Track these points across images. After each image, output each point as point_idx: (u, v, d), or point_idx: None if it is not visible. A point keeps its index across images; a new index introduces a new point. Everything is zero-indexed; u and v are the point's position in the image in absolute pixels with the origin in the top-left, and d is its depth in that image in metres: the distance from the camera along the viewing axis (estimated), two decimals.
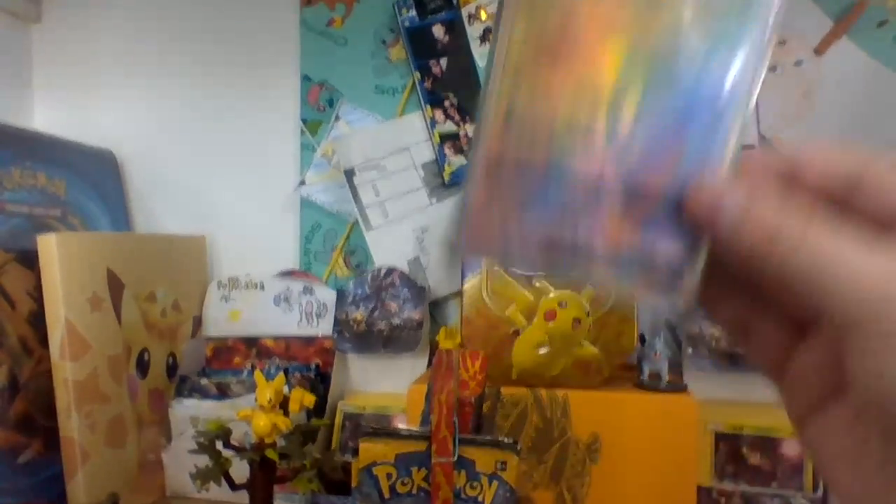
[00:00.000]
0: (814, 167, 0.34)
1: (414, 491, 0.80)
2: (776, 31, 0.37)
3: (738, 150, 0.35)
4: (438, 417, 0.79)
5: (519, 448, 0.80)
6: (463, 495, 0.79)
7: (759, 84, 0.36)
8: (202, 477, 0.95)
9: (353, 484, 0.87)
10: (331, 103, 1.35)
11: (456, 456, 0.78)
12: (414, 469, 0.80)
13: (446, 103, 1.29)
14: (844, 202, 0.33)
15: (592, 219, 0.35)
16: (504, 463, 0.79)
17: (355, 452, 1.09)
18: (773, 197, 0.33)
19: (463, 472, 0.79)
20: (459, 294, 1.06)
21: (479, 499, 0.79)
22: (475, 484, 0.79)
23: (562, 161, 0.35)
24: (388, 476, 0.80)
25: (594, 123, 0.35)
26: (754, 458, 1.02)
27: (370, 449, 0.80)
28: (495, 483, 0.79)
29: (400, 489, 0.80)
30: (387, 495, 0.80)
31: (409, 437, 0.81)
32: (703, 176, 0.34)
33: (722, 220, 0.33)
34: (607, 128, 0.35)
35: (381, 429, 0.83)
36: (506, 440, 0.79)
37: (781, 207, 0.32)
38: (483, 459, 0.79)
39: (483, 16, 1.28)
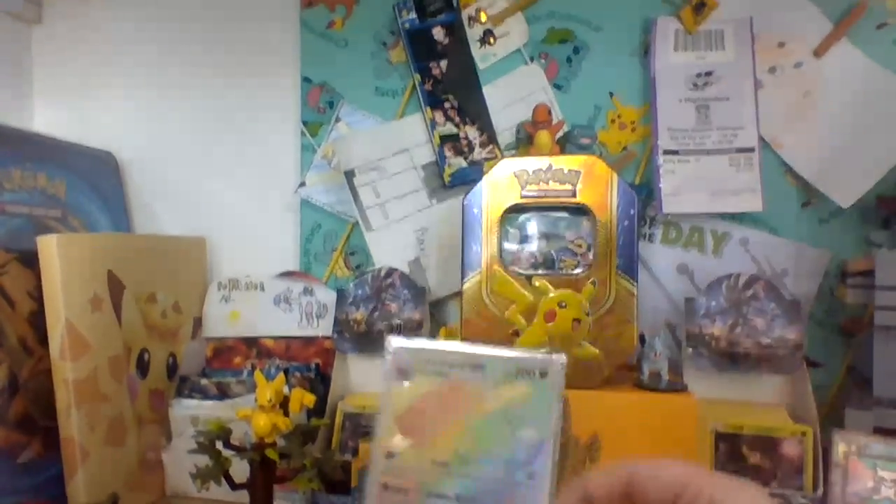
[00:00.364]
0: (595, 491, 0.46)
1: None
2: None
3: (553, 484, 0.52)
4: None
5: None
6: None
7: (556, 449, 0.54)
8: (202, 476, 0.96)
9: (353, 483, 0.87)
10: (331, 105, 1.35)
11: None
12: None
13: (446, 105, 1.29)
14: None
15: None
16: None
17: (355, 452, 1.10)
18: None
19: None
20: (459, 294, 1.06)
21: None
22: None
23: None
24: None
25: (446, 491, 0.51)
26: (754, 458, 1.02)
27: (370, 449, 0.80)
28: None
29: None
30: None
31: None
32: None
33: None
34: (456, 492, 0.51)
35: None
36: None
37: None
38: None
39: (483, 18, 1.28)
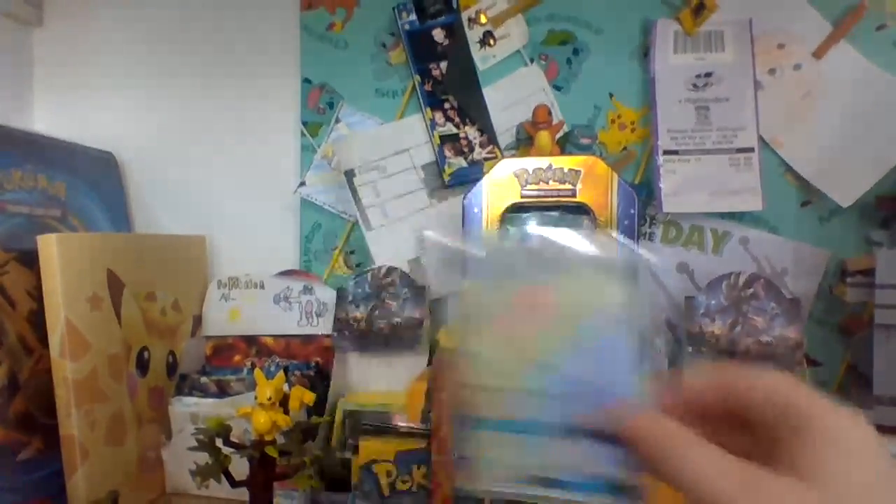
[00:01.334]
0: (700, 392, 0.44)
1: (414, 488, 0.80)
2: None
3: (643, 384, 0.47)
4: (439, 415, 0.80)
5: None
6: (462, 492, 0.79)
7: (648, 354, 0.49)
8: (202, 474, 0.95)
9: (353, 481, 0.86)
10: (331, 106, 1.36)
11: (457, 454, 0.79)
12: (414, 467, 0.80)
13: (446, 105, 1.29)
14: (730, 416, 0.43)
15: (555, 449, 0.46)
16: None
17: (356, 450, 1.09)
18: (668, 422, 0.42)
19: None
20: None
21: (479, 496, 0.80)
22: None
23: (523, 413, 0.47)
24: (388, 474, 0.80)
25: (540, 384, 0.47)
26: None
27: (370, 446, 0.80)
28: None
29: (400, 487, 0.80)
30: (386, 493, 0.79)
31: (409, 434, 0.81)
32: (619, 406, 0.45)
33: (637, 441, 0.43)
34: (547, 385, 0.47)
35: (382, 426, 0.82)
36: None
37: (673, 433, 0.41)
38: None
39: (483, 20, 1.29)
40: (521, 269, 0.51)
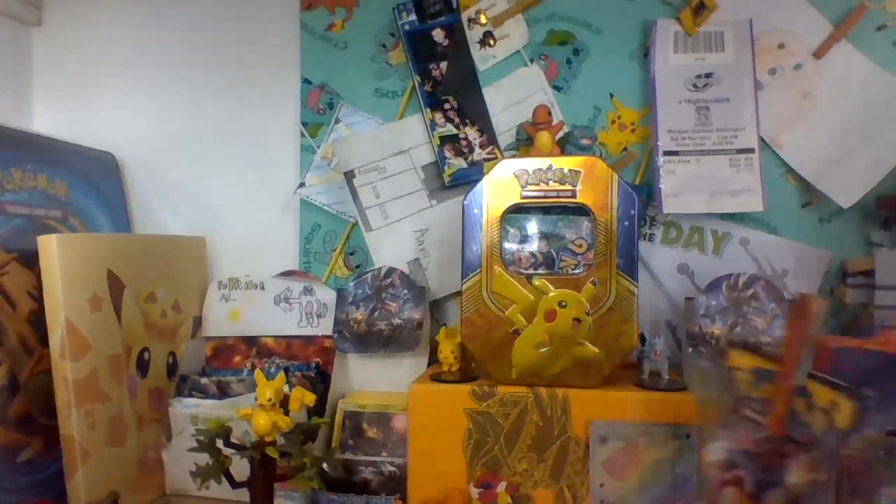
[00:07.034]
0: None
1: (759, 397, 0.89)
2: None
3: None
4: (790, 347, 0.85)
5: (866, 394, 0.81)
6: (798, 418, 0.84)
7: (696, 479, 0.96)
8: (202, 475, 0.95)
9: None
10: (331, 106, 1.36)
11: (798, 382, 0.85)
12: (763, 382, 0.88)
13: (446, 106, 1.29)
14: None
15: None
16: (836, 404, 0.81)
17: (356, 450, 1.10)
18: None
19: (802, 400, 0.84)
20: (459, 294, 1.06)
21: (812, 427, 0.83)
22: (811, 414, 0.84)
23: None
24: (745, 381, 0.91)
25: None
26: None
27: (737, 357, 0.94)
28: (828, 418, 0.83)
29: (752, 393, 0.89)
30: (743, 394, 0.89)
31: (768, 357, 0.93)
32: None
33: None
34: None
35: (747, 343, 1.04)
36: (843, 384, 0.82)
37: None
38: (820, 394, 0.83)
39: (483, 20, 1.29)
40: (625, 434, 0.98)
